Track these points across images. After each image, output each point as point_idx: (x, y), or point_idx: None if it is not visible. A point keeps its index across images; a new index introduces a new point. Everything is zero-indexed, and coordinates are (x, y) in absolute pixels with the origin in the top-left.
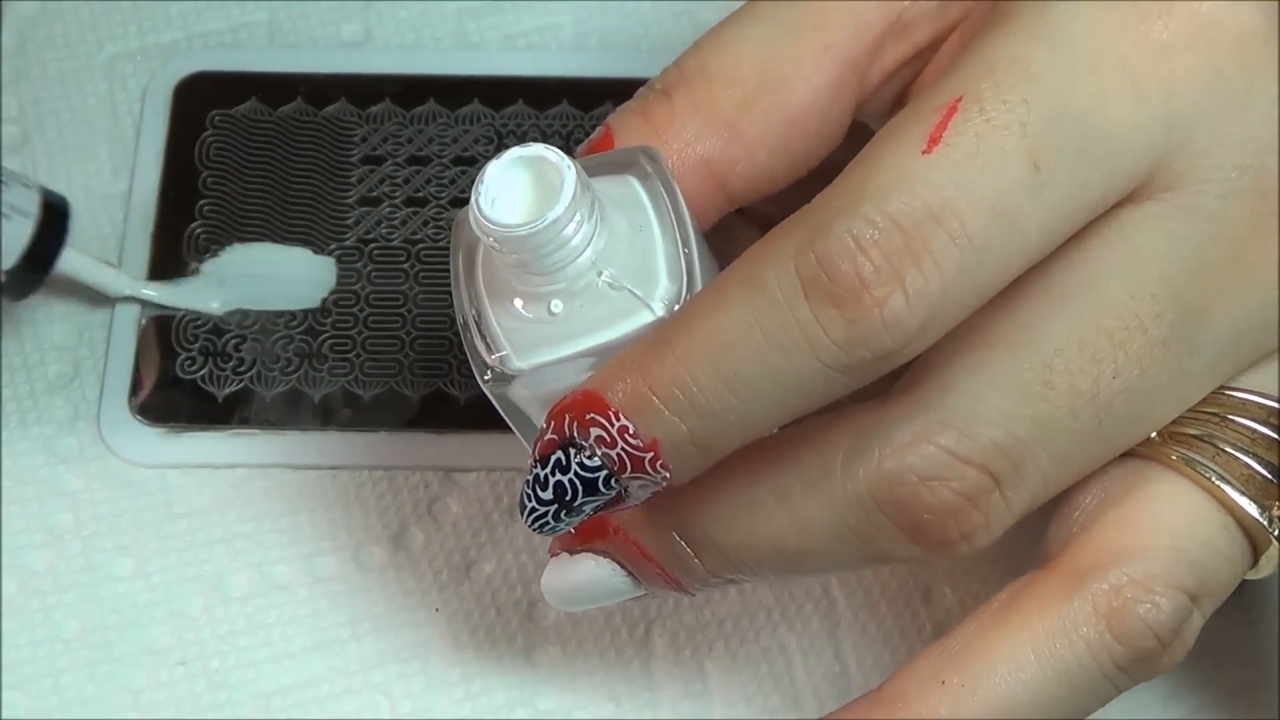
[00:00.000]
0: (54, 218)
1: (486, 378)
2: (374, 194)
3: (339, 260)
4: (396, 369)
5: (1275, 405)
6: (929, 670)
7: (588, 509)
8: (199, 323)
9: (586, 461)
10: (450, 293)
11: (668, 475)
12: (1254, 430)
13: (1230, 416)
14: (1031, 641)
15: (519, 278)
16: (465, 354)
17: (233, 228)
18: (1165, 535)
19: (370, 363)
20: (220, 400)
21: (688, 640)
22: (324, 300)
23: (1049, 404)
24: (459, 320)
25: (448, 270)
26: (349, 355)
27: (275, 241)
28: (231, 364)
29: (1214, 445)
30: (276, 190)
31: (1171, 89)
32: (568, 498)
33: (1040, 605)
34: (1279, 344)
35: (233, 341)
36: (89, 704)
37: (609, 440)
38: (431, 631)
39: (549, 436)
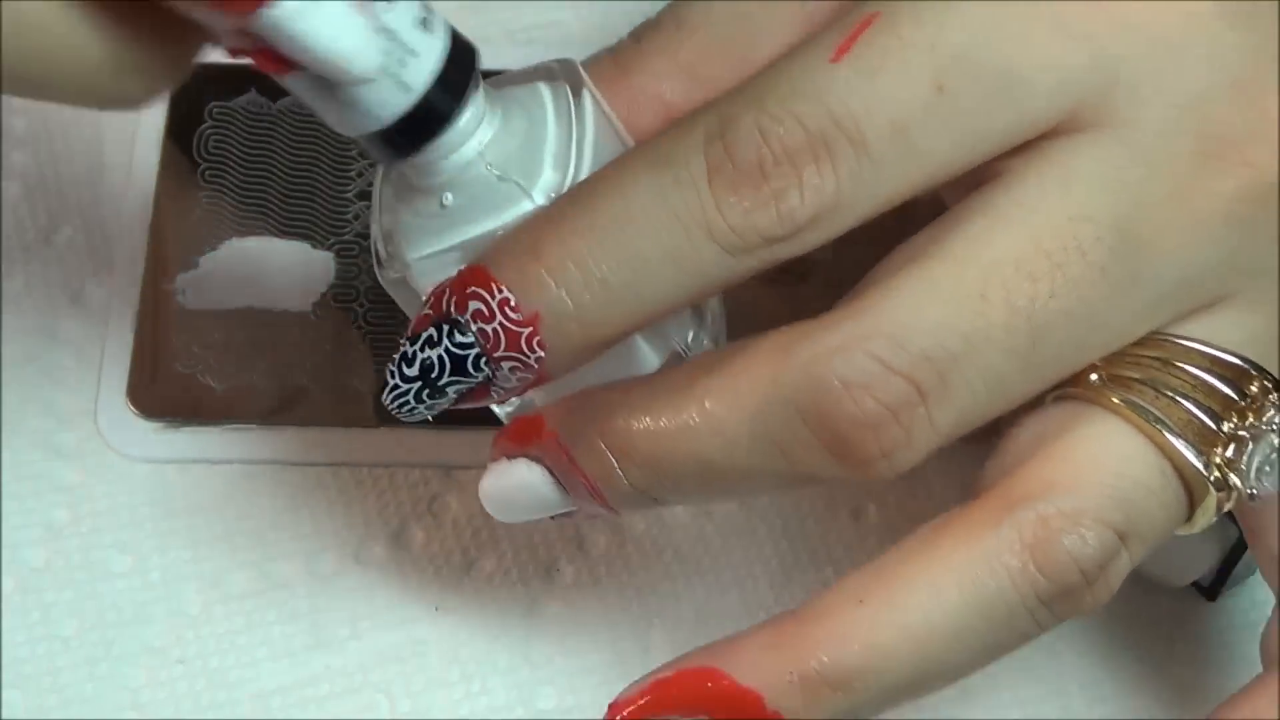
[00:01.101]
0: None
1: (385, 274)
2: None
3: (338, 255)
4: None
5: (1219, 354)
6: (849, 590)
7: (451, 391)
8: (197, 317)
9: (459, 338)
10: None
11: (542, 355)
12: (1197, 377)
13: (1174, 362)
14: (953, 568)
15: (413, 172)
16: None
17: (231, 221)
18: (1097, 472)
19: (369, 358)
20: (219, 395)
21: (688, 640)
22: (323, 295)
23: (984, 318)
24: (371, 231)
25: None
26: (348, 351)
27: (274, 235)
28: (230, 358)
29: (1155, 389)
30: (275, 184)
31: (1096, 27)
32: (433, 375)
33: (965, 533)
34: (1222, 291)
35: (231, 336)
36: (88, 703)
37: (487, 314)
38: (431, 631)
39: (424, 312)
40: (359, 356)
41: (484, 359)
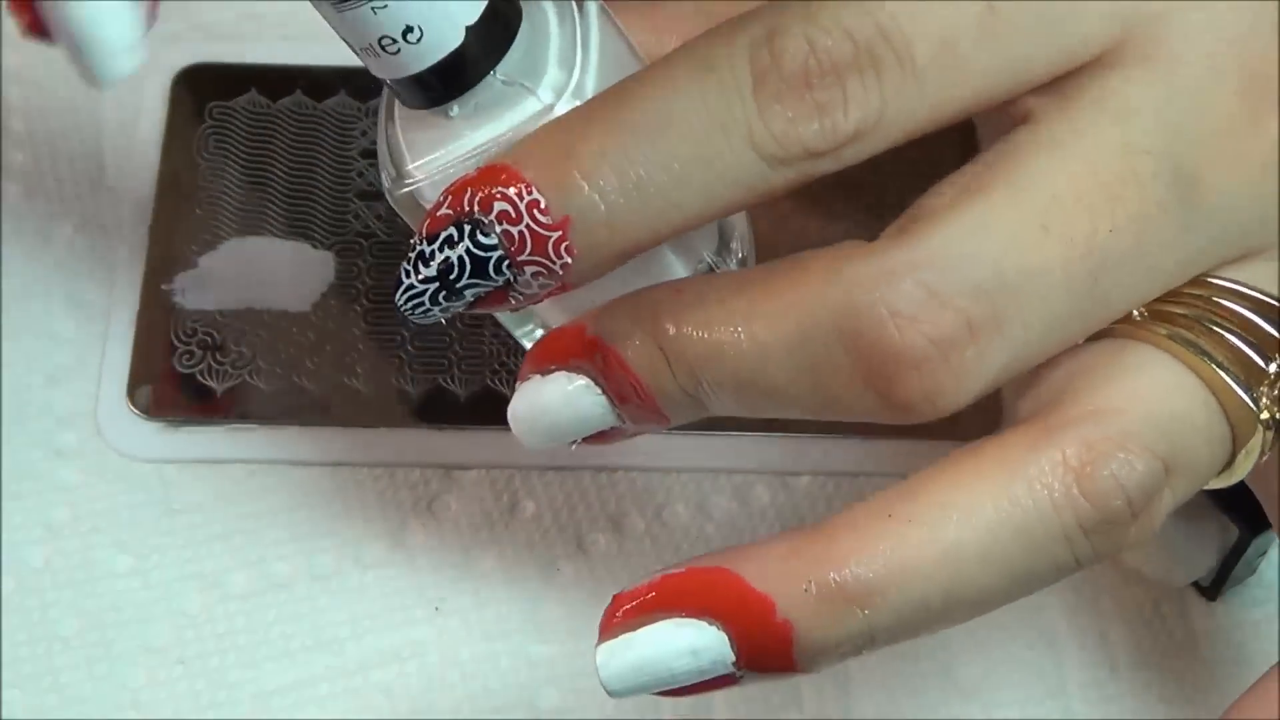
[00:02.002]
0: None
1: (393, 192)
2: (373, 188)
3: (338, 254)
4: (396, 365)
5: (1263, 297)
6: (879, 504)
7: (468, 294)
8: (197, 316)
9: (482, 239)
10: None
11: (568, 261)
12: (1242, 315)
13: (1218, 300)
14: (990, 487)
15: None
16: (463, 349)
17: (230, 221)
18: (1142, 402)
19: (369, 358)
20: (219, 395)
21: None
22: (323, 295)
23: (1043, 252)
24: (378, 150)
25: None
26: (348, 351)
27: (273, 235)
28: (230, 358)
29: (1201, 324)
30: (275, 183)
31: None
32: (451, 276)
33: (1003, 454)
34: (1261, 241)
35: (231, 335)
36: (88, 702)
37: (513, 216)
38: (431, 630)
39: (443, 211)
40: (359, 356)
41: (506, 262)
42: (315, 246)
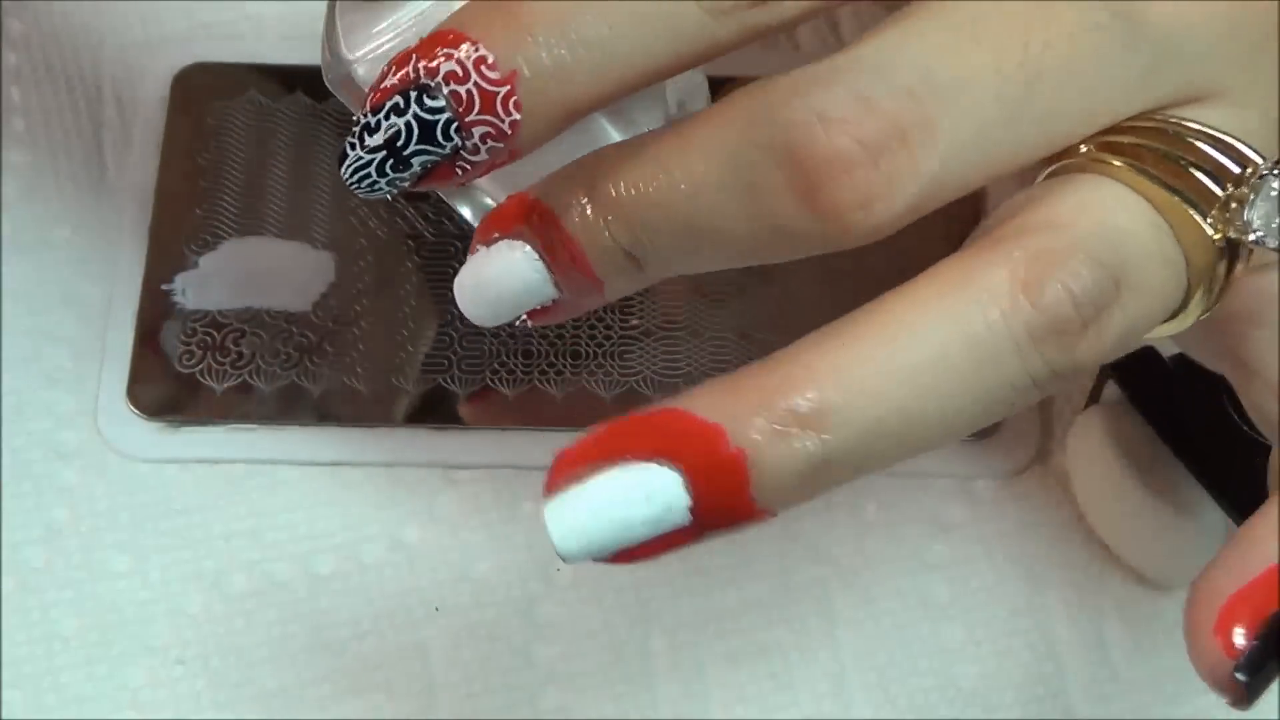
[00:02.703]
0: None
1: (330, 75)
2: None
3: (338, 254)
4: (396, 365)
5: (1215, 133)
6: (832, 329)
7: (416, 164)
8: (197, 316)
9: (429, 102)
10: (449, 290)
11: (517, 118)
12: (1194, 145)
13: (1169, 132)
14: (939, 302)
15: None
16: (463, 348)
17: (230, 221)
18: (1090, 217)
19: (369, 358)
20: (219, 395)
21: (687, 640)
22: (323, 295)
23: (974, 58)
24: (321, 44)
25: (448, 266)
26: (348, 351)
27: (273, 235)
28: (230, 358)
29: (1150, 151)
30: (275, 183)
31: None
32: (399, 143)
33: (951, 272)
34: (1212, 84)
35: (231, 335)
36: (87, 703)
37: (461, 75)
38: (431, 631)
39: (389, 82)
40: (359, 356)
41: (455, 125)
42: (315, 246)
